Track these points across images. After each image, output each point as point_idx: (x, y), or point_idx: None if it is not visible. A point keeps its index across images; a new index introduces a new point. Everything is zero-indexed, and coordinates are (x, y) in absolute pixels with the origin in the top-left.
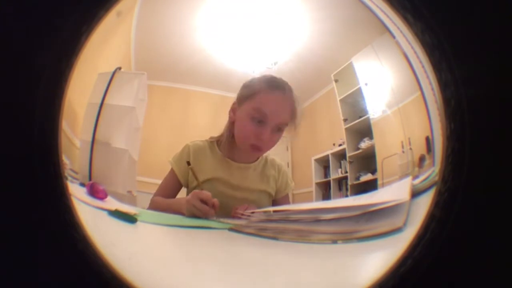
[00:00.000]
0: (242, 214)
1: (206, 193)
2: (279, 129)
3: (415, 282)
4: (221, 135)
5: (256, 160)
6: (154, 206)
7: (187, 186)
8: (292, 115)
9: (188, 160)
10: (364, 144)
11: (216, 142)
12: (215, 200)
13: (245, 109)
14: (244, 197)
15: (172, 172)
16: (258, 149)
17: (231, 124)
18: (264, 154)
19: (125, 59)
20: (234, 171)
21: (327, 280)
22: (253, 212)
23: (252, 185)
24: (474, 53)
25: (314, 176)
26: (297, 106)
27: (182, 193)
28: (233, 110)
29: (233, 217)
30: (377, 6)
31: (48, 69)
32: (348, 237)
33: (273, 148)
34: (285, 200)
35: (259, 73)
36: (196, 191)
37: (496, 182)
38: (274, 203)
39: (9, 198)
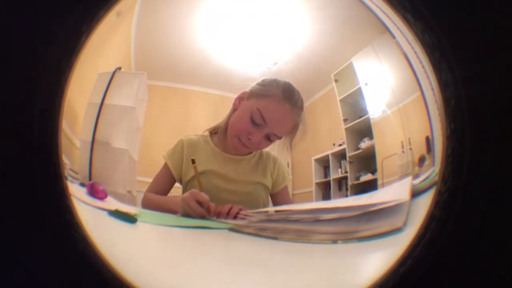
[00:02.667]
0: (245, 215)
1: (203, 196)
2: (270, 139)
3: (415, 282)
4: (219, 124)
5: (250, 153)
6: (147, 202)
7: (180, 181)
8: (292, 131)
9: (182, 153)
10: (364, 144)
11: (210, 135)
12: (212, 204)
13: (251, 104)
14: (238, 190)
15: (165, 167)
16: (243, 145)
17: (233, 111)
18: None
19: (125, 59)
20: (228, 163)
21: (327, 280)
22: (254, 212)
23: (246, 177)
24: (474, 53)
25: (314, 176)
26: (300, 125)
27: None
28: (240, 99)
29: (233, 216)
30: (377, 6)
31: (48, 69)
32: (348, 237)
33: (274, 148)
34: (284, 193)
35: (259, 73)
36: (194, 191)
37: (496, 182)
38: (274, 197)
39: (9, 198)
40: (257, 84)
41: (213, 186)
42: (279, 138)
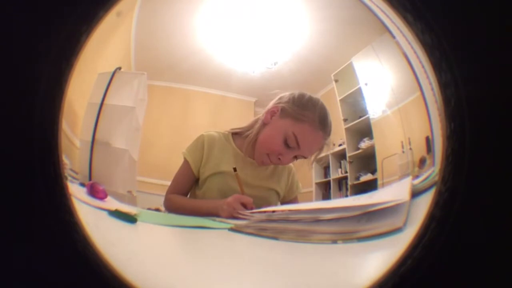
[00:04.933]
0: (245, 215)
1: (247, 198)
2: (297, 158)
3: (415, 282)
4: (246, 129)
5: None
6: (175, 206)
7: (198, 178)
8: (318, 152)
9: (202, 149)
10: (364, 144)
11: (232, 135)
12: (253, 206)
13: (285, 125)
14: (252, 194)
15: (186, 164)
16: (272, 163)
17: (263, 125)
18: None
19: (125, 59)
20: (248, 168)
21: (327, 280)
22: (253, 212)
23: (262, 183)
24: (474, 53)
25: (314, 176)
26: (325, 147)
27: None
28: (271, 113)
29: (234, 217)
30: (377, 6)
31: (48, 69)
32: (348, 237)
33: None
34: (295, 202)
35: (259, 73)
36: (238, 195)
37: (496, 182)
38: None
39: (9, 198)
40: (294, 103)
41: (230, 188)
42: (306, 158)
